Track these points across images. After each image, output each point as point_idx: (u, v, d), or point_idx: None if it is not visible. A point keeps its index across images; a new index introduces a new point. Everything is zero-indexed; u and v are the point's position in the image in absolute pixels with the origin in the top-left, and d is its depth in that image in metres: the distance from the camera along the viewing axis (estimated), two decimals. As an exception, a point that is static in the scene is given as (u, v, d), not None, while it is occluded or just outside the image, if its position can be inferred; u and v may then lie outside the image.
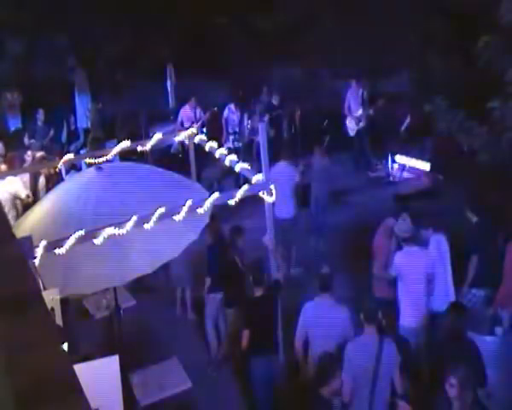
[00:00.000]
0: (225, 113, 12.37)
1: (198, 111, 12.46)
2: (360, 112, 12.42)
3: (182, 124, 12.37)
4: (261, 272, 6.49)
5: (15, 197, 9.70)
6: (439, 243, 6.97)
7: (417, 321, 6.49)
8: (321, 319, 5.93)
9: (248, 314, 6.42)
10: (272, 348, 6.37)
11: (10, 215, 9.11)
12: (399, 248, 6.82)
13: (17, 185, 9.80)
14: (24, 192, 9.69)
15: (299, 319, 6.15)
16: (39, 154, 10.71)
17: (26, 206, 9.49)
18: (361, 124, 12.41)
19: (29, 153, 10.48)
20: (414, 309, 6.49)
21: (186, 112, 12.49)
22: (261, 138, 6.33)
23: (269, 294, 6.34)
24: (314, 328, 5.98)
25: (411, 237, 6.71)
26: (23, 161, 10.32)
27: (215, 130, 12.30)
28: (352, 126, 12.54)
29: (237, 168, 6.57)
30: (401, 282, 6.62)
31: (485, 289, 6.93)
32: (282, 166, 9.06)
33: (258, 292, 6.32)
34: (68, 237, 5.14)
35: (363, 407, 5.32)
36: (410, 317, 6.47)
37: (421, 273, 6.58)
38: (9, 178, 9.61)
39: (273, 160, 8.67)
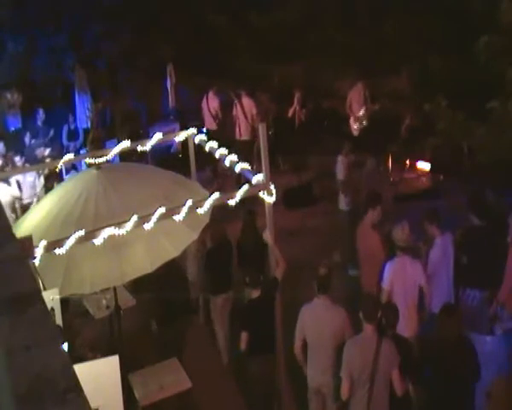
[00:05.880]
0: None
1: (217, 102, 12.85)
2: (363, 111, 12.43)
3: (210, 112, 12.84)
4: (257, 273, 6.49)
5: (15, 198, 9.72)
6: (445, 244, 6.96)
7: (410, 331, 6.47)
8: (317, 321, 5.93)
9: (246, 316, 6.42)
10: (270, 348, 6.37)
11: (10, 216, 9.14)
12: (393, 256, 6.78)
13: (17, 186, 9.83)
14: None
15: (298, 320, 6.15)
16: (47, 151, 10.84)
17: (25, 206, 9.52)
18: (364, 123, 12.43)
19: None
20: (406, 320, 6.46)
21: (212, 101, 12.87)
22: (261, 138, 6.31)
23: (266, 294, 6.34)
24: (311, 330, 5.98)
25: (407, 247, 6.67)
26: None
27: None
28: (355, 126, 12.56)
29: (237, 169, 6.56)
30: (393, 293, 6.61)
31: (481, 290, 6.93)
32: (338, 161, 9.47)
33: (256, 293, 6.32)
34: (68, 237, 5.14)
35: (361, 405, 5.33)
36: (403, 327, 6.45)
37: (412, 285, 6.56)
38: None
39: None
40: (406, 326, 6.35)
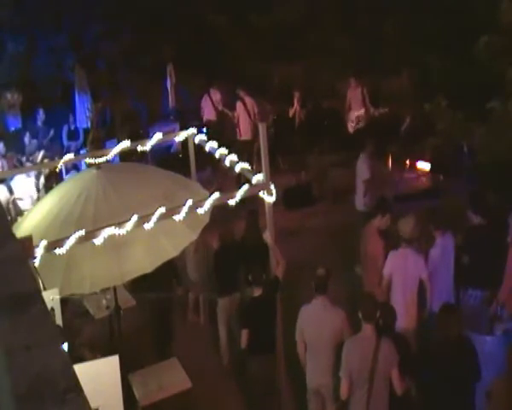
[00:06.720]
0: None
1: (218, 95, 13.01)
2: (361, 111, 12.43)
3: (211, 101, 13.03)
4: (260, 272, 6.49)
5: (16, 198, 9.73)
6: (446, 244, 6.97)
7: (408, 323, 6.47)
8: (316, 322, 5.93)
9: (247, 314, 6.42)
10: (270, 348, 6.37)
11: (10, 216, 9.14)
12: (395, 248, 6.80)
13: (18, 185, 9.84)
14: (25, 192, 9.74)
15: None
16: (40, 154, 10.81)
17: (20, 208, 9.54)
18: (361, 123, 12.43)
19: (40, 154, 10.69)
20: (404, 312, 6.47)
21: (214, 94, 13.04)
22: (261, 138, 6.32)
23: (268, 293, 6.34)
24: (310, 330, 5.99)
25: (411, 240, 6.69)
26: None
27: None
28: (352, 125, 12.57)
29: (237, 168, 6.57)
30: (393, 284, 6.63)
31: (482, 290, 6.93)
32: (361, 159, 9.29)
33: (258, 292, 6.32)
34: (68, 237, 5.14)
35: (360, 405, 5.33)
36: (400, 319, 6.45)
37: (412, 277, 6.58)
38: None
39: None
40: (404, 319, 6.37)
